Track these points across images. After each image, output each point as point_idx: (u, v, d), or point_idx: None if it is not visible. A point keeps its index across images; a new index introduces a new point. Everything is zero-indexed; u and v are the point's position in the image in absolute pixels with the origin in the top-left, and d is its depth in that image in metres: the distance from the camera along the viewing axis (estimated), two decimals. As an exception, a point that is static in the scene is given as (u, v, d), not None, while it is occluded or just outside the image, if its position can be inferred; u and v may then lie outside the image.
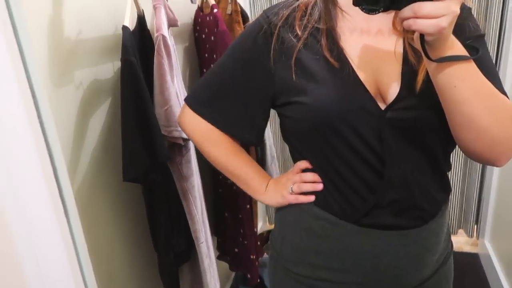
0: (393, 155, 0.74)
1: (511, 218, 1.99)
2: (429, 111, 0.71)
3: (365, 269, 0.80)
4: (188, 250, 1.36)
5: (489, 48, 2.00)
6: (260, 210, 2.39)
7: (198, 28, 1.59)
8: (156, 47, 1.11)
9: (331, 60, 0.73)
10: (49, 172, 0.71)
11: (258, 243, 1.82)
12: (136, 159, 1.08)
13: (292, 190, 0.86)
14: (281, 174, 0.97)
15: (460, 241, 2.55)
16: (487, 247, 2.28)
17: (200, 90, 0.89)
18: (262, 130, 0.89)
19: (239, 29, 1.61)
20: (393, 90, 0.72)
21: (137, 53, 1.08)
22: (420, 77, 0.69)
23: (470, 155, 0.72)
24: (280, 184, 0.90)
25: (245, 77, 0.82)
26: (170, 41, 1.16)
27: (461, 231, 2.59)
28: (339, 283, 0.83)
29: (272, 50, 0.78)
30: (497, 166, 0.67)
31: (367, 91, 0.73)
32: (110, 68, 1.16)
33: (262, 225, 2.67)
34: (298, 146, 0.84)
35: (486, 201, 2.32)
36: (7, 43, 0.63)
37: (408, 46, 0.72)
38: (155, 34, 1.12)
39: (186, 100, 0.89)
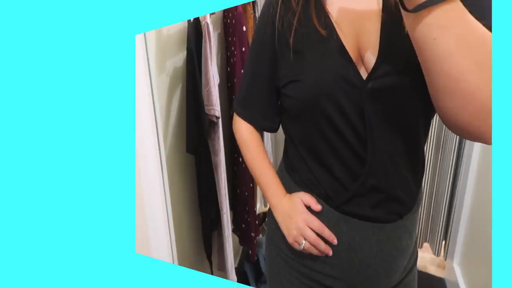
0: (375, 136, 0.71)
1: (486, 239, 1.59)
2: (409, 74, 0.65)
3: (342, 261, 0.81)
4: (216, 219, 1.52)
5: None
6: (259, 191, 2.35)
7: (225, 14, 1.64)
8: (203, 33, 1.23)
9: (320, 29, 0.71)
10: (156, 141, 1.08)
11: (257, 222, 1.90)
12: (193, 133, 1.28)
13: (303, 247, 0.81)
14: (293, 201, 0.84)
15: (425, 258, 2.09)
16: (456, 272, 1.89)
17: (239, 92, 0.90)
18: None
19: (249, 8, 1.66)
20: (372, 51, 0.68)
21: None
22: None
23: (455, 128, 0.59)
24: (289, 220, 0.84)
25: (262, 66, 0.81)
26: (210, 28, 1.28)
27: (426, 245, 2.15)
28: (316, 272, 0.84)
29: (277, 31, 0.77)
30: (486, 143, 0.57)
31: (350, 60, 0.69)
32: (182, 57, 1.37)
33: (259, 206, 2.70)
34: (289, 127, 0.83)
35: (458, 213, 1.92)
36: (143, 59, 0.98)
37: None
38: (202, 22, 1.25)
39: (233, 105, 0.92)
